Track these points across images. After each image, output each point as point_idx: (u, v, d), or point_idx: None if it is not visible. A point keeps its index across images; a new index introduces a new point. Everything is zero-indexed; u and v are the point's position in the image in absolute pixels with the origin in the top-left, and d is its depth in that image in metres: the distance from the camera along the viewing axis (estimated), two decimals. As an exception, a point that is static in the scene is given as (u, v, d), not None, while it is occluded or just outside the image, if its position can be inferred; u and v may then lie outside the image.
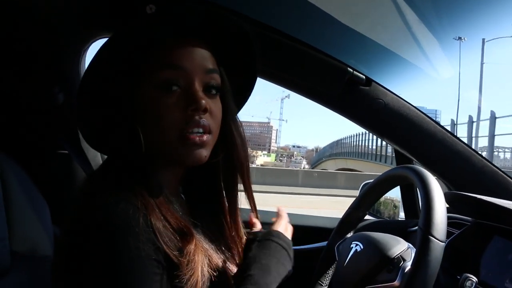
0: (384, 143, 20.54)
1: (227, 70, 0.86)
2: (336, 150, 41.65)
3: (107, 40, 0.78)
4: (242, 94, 0.94)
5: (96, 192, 0.72)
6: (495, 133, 13.65)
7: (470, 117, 16.15)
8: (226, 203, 0.91)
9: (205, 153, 0.78)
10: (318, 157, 56.51)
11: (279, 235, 0.88)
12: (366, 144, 26.58)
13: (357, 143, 29.74)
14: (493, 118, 13.78)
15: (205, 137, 0.77)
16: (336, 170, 26.57)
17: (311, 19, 1.38)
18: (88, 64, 0.79)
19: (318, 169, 34.74)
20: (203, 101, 0.76)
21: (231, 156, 0.87)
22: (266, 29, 1.35)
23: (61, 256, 0.73)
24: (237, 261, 0.88)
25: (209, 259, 0.77)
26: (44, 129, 1.38)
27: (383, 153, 21.11)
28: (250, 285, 0.76)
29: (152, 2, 1.05)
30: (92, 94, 0.79)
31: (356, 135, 30.46)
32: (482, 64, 21.04)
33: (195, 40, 0.80)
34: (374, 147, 23.64)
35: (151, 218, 0.70)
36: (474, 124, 15.66)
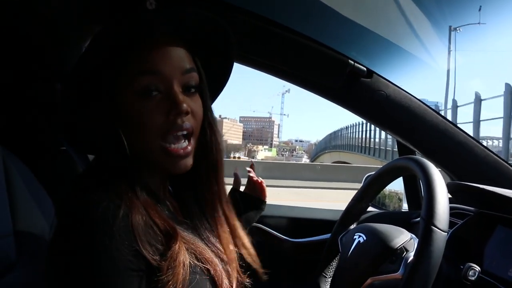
0: (373, 135, 20.60)
1: (203, 58, 0.86)
2: (330, 143, 41.80)
3: (92, 38, 0.78)
4: (219, 81, 0.94)
5: (83, 191, 0.72)
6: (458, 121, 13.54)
7: (436, 106, 16.03)
8: (211, 196, 0.91)
9: (190, 161, 0.80)
10: (316, 150, 56.46)
11: None
12: (356, 136, 26.66)
13: (349, 135, 29.86)
14: (454, 107, 13.71)
15: (189, 148, 0.79)
16: (332, 163, 26.63)
17: (312, 12, 1.38)
18: (77, 62, 0.78)
19: (317, 162, 34.72)
20: (184, 105, 0.76)
21: (211, 151, 0.87)
22: (267, 23, 1.35)
23: (50, 252, 0.73)
24: (232, 252, 0.88)
25: (202, 256, 0.77)
26: (46, 125, 1.38)
27: (372, 145, 21.19)
28: None
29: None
30: (78, 93, 0.78)
31: (346, 128, 30.51)
32: (449, 51, 20.60)
33: (172, 40, 0.79)
34: (364, 138, 23.74)
35: (132, 220, 0.69)
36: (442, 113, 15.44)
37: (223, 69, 0.93)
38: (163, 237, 0.73)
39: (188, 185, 0.91)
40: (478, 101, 12.04)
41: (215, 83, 0.91)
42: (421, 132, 1.43)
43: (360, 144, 24.33)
